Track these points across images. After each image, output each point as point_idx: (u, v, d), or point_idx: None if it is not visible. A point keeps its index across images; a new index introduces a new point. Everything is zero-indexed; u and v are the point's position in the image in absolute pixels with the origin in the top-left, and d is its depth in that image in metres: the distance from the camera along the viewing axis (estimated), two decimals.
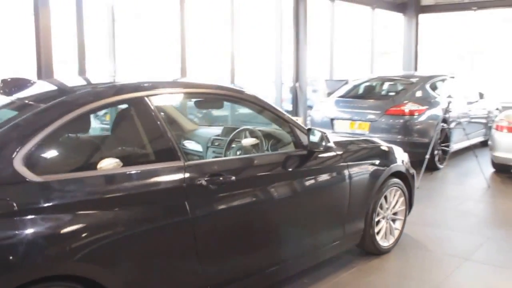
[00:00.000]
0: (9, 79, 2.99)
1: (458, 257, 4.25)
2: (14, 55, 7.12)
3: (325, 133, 3.48)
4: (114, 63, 7.45)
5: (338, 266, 4.05)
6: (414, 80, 8.47)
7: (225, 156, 3.82)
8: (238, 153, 3.70)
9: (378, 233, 4.21)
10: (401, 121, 7.54)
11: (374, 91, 8.84)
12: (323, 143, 3.45)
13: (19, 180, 2.22)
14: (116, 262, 2.40)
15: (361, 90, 8.86)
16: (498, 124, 7.15)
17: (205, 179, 2.79)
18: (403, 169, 4.42)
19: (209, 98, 3.34)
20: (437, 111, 7.92)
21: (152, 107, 2.78)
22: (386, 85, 8.96)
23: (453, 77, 8.02)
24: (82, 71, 6.86)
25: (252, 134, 3.81)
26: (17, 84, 2.98)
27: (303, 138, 3.52)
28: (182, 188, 2.70)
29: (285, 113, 3.54)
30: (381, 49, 14.27)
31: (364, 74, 10.99)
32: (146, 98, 2.78)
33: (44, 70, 6.23)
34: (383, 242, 4.29)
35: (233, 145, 3.88)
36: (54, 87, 3.15)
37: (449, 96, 7.50)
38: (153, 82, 2.92)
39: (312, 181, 3.52)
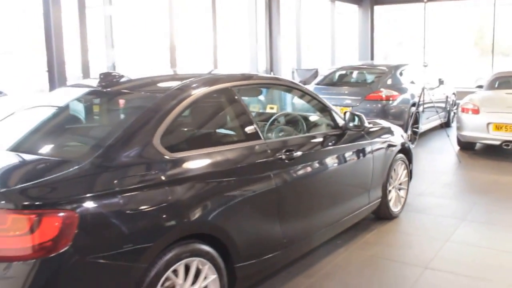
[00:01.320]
0: (104, 73, 3.36)
1: (455, 219, 5.01)
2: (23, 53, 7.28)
3: (360, 115, 4.11)
4: (113, 57, 7.76)
5: (361, 230, 4.70)
6: (385, 68, 9.26)
7: (279, 134, 4.32)
8: (294, 133, 4.21)
9: (389, 200, 4.90)
10: (379, 105, 8.32)
11: (349, 79, 9.58)
12: (357, 124, 4.09)
13: (159, 157, 2.66)
14: (230, 222, 2.90)
15: (337, 78, 9.57)
16: (463, 107, 8.02)
17: (282, 154, 3.34)
18: (406, 146, 5.12)
19: (273, 88, 3.89)
20: (407, 96, 8.78)
21: (237, 96, 3.30)
22: (360, 74, 9.72)
23: (426, 65, 8.85)
24: (85, 64, 7.14)
25: (297, 117, 4.38)
26: (112, 78, 3.36)
27: (339, 120, 4.13)
28: (268, 161, 3.24)
29: (325, 100, 4.15)
30: (341, 40, 15.09)
31: (336, 63, 11.75)
32: (233, 88, 3.29)
33: (56, 63, 6.49)
34: (394, 208, 4.98)
35: (286, 126, 4.38)
36: (152, 79, 3.61)
37: (412, 82, 8.32)
38: (236, 75, 3.42)
39: (350, 156, 4.14)
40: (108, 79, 3.31)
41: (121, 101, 3.20)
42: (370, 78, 9.35)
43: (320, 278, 3.73)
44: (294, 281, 3.67)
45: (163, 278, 2.50)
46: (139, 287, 2.39)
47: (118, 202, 2.37)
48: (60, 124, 3.21)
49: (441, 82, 10.33)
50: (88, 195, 2.28)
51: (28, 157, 2.69)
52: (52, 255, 2.12)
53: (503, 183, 6.45)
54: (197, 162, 2.84)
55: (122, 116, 3.13)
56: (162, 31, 8.68)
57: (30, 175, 2.44)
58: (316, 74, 11.18)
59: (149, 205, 2.49)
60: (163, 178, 2.61)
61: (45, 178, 2.30)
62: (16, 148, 2.83)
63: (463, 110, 8.00)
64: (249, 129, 3.30)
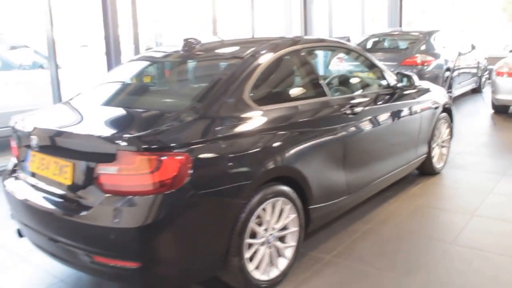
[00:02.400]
0: (187, 39, 3.70)
1: (496, 174, 5.29)
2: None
3: (411, 75, 4.41)
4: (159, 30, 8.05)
5: (407, 183, 5.04)
6: (418, 34, 9.43)
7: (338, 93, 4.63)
8: (351, 91, 4.49)
9: (433, 157, 5.20)
10: (414, 70, 8.51)
11: (383, 45, 9.78)
12: (408, 83, 4.40)
13: (249, 109, 3.02)
14: (307, 168, 3.24)
15: (371, 45, 9.78)
16: (498, 71, 8.19)
17: (346, 109, 3.67)
18: (448, 105, 5.39)
19: (333, 50, 4.21)
20: (441, 62, 8.97)
21: (307, 57, 3.64)
22: (393, 40, 9.90)
23: (462, 31, 9.01)
24: (136, 38, 7.47)
25: (353, 77, 4.70)
26: (193, 43, 3.69)
27: (391, 80, 4.43)
28: (335, 116, 3.58)
29: (378, 61, 4.45)
30: (369, 7, 15.13)
31: (366, 31, 11.89)
32: (303, 50, 3.63)
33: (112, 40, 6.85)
34: (437, 164, 5.29)
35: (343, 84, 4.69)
36: (229, 43, 3.97)
37: (444, 48, 8.47)
38: (303, 38, 3.75)
39: (401, 113, 4.44)
40: (190, 44, 3.66)
41: (207, 62, 3.58)
42: (404, 44, 9.53)
43: (376, 224, 4.09)
44: (353, 226, 4.05)
45: (255, 214, 2.88)
46: (237, 220, 2.78)
47: (221, 146, 2.73)
48: (153, 83, 3.61)
49: (473, 47, 10.45)
50: (197, 140, 2.66)
51: (139, 110, 3.15)
52: (171, 191, 2.51)
53: None
54: (279, 114, 3.18)
55: (211, 75, 3.47)
56: (204, 4, 8.96)
57: (148, 124, 2.81)
58: (348, 41, 11.35)
59: (245, 150, 2.85)
60: (254, 127, 2.97)
61: (161, 126, 2.69)
62: (127, 104, 3.34)
63: (498, 74, 8.18)
64: (317, 87, 3.64)
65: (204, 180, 2.63)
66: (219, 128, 2.79)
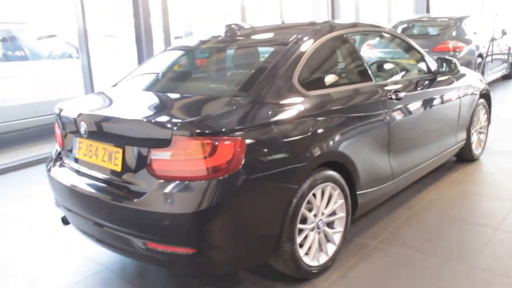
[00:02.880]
0: (229, 25, 3.71)
1: None
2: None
3: (453, 60, 4.33)
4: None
5: (446, 170, 4.97)
6: (448, 20, 9.27)
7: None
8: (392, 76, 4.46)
9: (472, 143, 5.11)
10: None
11: (413, 32, 9.64)
12: (449, 69, 4.32)
13: (299, 94, 2.99)
14: (355, 153, 3.20)
15: (400, 31, 9.63)
16: None
17: (391, 94, 3.62)
18: (486, 91, 5.29)
19: (374, 34, 4.15)
20: (472, 47, 8.82)
21: (351, 42, 3.59)
22: (423, 27, 9.75)
23: (496, 15, 8.83)
24: (166, 29, 7.47)
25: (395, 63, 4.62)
26: (235, 28, 3.69)
27: (431, 65, 4.35)
28: (380, 100, 3.53)
29: (419, 47, 4.37)
30: None
31: (392, 17, 11.73)
32: (347, 35, 3.58)
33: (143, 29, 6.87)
34: (475, 150, 5.20)
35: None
36: (272, 28, 3.96)
37: (475, 33, 8.30)
38: (347, 23, 3.69)
39: (443, 98, 4.37)
40: (232, 29, 3.64)
41: (251, 48, 3.56)
42: (434, 30, 9.37)
43: (419, 210, 4.05)
44: (396, 212, 4.01)
45: (306, 199, 2.86)
46: (289, 205, 2.75)
47: (274, 131, 2.71)
48: (198, 69, 3.61)
49: (504, 33, 10.24)
50: (250, 125, 2.64)
51: (188, 96, 3.12)
52: (225, 176, 2.48)
53: None
54: (327, 99, 3.14)
55: (257, 61, 3.44)
56: None
57: (200, 109, 2.82)
58: None
59: (296, 134, 2.82)
60: (304, 112, 2.93)
61: (214, 111, 2.69)
62: (174, 90, 3.35)
63: None
64: (363, 71, 3.59)
65: (258, 165, 2.60)
66: (271, 113, 2.77)
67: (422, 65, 4.37)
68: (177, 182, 2.51)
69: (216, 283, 3.10)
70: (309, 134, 2.88)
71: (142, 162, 2.61)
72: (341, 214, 3.18)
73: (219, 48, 3.76)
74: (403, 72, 4.29)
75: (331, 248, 3.13)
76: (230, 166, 2.49)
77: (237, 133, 2.54)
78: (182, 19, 8.29)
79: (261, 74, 2.98)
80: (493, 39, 8.20)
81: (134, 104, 3.21)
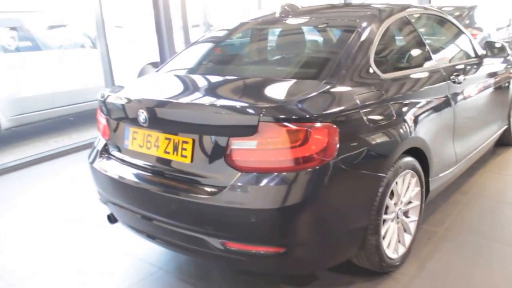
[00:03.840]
0: (287, 4, 3.41)
1: None
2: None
3: (504, 45, 4.10)
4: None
5: (489, 155, 4.77)
6: (462, 10, 9.05)
7: None
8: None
9: None
10: None
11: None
12: (498, 53, 4.10)
13: (377, 77, 2.72)
14: (429, 138, 2.96)
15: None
16: None
17: (454, 77, 3.39)
18: None
19: (432, 18, 3.90)
20: (485, 35, 8.69)
21: (413, 24, 3.35)
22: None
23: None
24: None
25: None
26: (289, 10, 3.39)
27: (479, 49, 4.12)
28: (445, 83, 3.30)
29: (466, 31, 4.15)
30: None
31: None
32: (409, 16, 3.33)
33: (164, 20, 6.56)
34: None
35: None
36: (330, 10, 3.67)
37: (484, 22, 8.09)
38: (404, 5, 3.42)
39: (493, 82, 4.14)
40: (287, 11, 3.36)
41: (314, 30, 3.30)
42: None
43: (474, 196, 3.83)
44: (452, 198, 3.80)
45: (391, 187, 2.61)
46: (376, 195, 2.50)
47: (362, 116, 2.44)
48: (262, 51, 3.36)
49: (510, 21, 10.07)
50: (340, 110, 2.36)
51: (260, 79, 2.78)
52: (319, 166, 2.19)
53: None
54: (402, 82, 2.90)
55: (326, 42, 3.18)
56: None
57: (285, 93, 2.50)
58: None
59: (383, 119, 2.56)
60: (385, 95, 2.68)
61: (301, 95, 2.34)
62: (241, 73, 3.04)
63: None
64: (427, 55, 3.35)
65: (350, 154, 2.33)
66: (356, 97, 2.49)
67: (469, 49, 4.14)
68: (263, 174, 2.21)
69: (289, 281, 2.83)
70: (394, 119, 2.63)
71: (219, 153, 2.29)
72: (416, 202, 2.95)
73: (278, 30, 3.47)
74: (456, 55, 4.06)
75: (407, 239, 2.90)
76: (324, 156, 2.20)
77: (330, 119, 2.26)
78: (198, 8, 7.98)
79: (338, 57, 2.69)
80: (510, 24, 7.99)
81: (201, 89, 2.80)
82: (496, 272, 2.80)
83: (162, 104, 2.54)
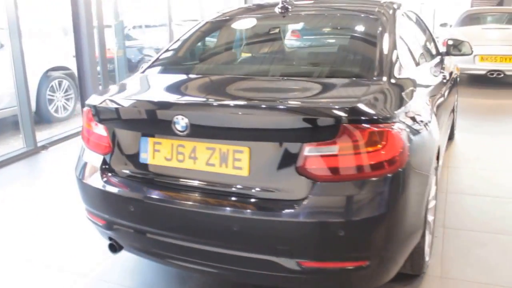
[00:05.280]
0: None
1: None
2: None
3: (465, 42, 4.25)
4: None
5: None
6: None
7: None
8: None
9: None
10: None
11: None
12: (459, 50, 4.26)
13: (405, 72, 2.59)
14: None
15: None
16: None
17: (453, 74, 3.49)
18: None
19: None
20: None
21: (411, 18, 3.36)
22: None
23: None
24: None
25: None
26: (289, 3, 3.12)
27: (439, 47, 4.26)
28: (444, 81, 3.36)
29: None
30: None
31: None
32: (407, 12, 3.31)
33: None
34: None
35: None
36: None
37: None
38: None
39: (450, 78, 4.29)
40: (290, 4, 3.09)
41: (333, 22, 3.13)
42: None
43: None
44: None
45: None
46: (427, 195, 2.39)
47: (416, 113, 2.32)
48: (296, 49, 3.13)
49: None
50: (403, 108, 2.19)
51: (318, 79, 2.53)
52: (400, 169, 2.00)
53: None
54: (423, 77, 2.88)
55: (359, 37, 2.95)
56: None
57: (351, 93, 2.26)
58: None
59: (425, 117, 2.46)
60: (420, 88, 2.63)
61: (371, 95, 2.12)
62: (291, 73, 2.71)
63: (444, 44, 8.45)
64: (425, 49, 3.47)
65: (417, 153, 2.18)
66: (403, 94, 2.35)
67: (432, 46, 4.23)
68: (345, 182, 1.95)
69: None
70: (430, 115, 2.56)
71: (288, 161, 1.98)
72: (434, 201, 2.89)
73: (295, 26, 3.24)
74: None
75: (428, 238, 2.82)
76: (402, 157, 2.01)
77: (400, 119, 2.08)
78: (112, 7, 7.32)
79: (375, 52, 2.53)
80: None
81: (249, 91, 2.48)
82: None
83: (209, 107, 2.16)
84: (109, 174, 2.40)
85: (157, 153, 2.24)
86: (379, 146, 1.95)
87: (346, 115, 1.92)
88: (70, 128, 6.45)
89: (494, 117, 6.53)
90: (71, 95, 7.61)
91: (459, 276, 2.75)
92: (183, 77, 2.81)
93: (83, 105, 6.01)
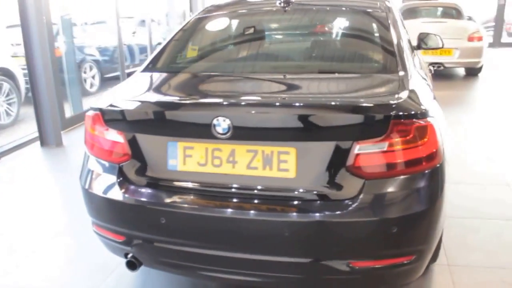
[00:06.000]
0: None
1: None
2: None
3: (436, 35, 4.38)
4: None
5: None
6: None
7: None
8: None
9: None
10: None
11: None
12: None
13: (415, 66, 2.64)
14: None
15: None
16: None
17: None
18: None
19: None
20: None
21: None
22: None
23: None
24: None
25: None
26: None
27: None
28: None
29: None
30: None
31: None
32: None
33: None
34: None
35: None
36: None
37: None
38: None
39: None
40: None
41: (344, 17, 3.09)
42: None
43: None
44: None
45: None
46: None
47: (436, 106, 2.35)
48: (312, 44, 3.01)
49: None
50: (430, 102, 2.22)
51: (347, 75, 2.46)
52: (438, 164, 2.03)
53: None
54: (419, 68, 2.89)
55: (368, 31, 2.91)
56: None
57: (390, 89, 2.21)
58: None
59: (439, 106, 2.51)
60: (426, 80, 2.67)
61: (407, 90, 2.11)
62: (316, 70, 2.64)
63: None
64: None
65: (443, 146, 2.19)
66: (426, 86, 2.39)
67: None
68: (394, 178, 1.94)
69: None
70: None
71: (338, 161, 1.93)
72: None
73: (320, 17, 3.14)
74: None
75: None
76: (440, 150, 2.06)
77: (431, 113, 2.08)
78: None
79: (394, 46, 2.52)
80: None
81: (285, 89, 2.37)
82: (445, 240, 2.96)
83: (255, 108, 2.04)
84: (129, 185, 2.20)
85: (188, 158, 2.10)
86: (425, 140, 1.96)
87: (395, 111, 1.91)
88: (19, 136, 6.00)
89: (443, 109, 6.84)
90: (14, 99, 7.08)
91: (465, 262, 2.85)
92: (204, 76, 2.67)
93: (37, 110, 5.56)
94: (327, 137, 1.95)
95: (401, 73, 2.33)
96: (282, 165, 1.98)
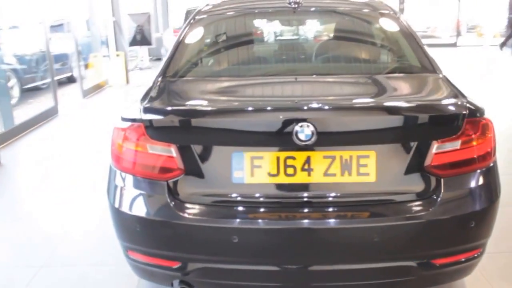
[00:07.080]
0: None
1: None
2: None
3: None
4: None
5: None
6: None
7: None
8: None
9: None
10: None
11: None
12: None
13: None
14: None
15: None
16: None
17: None
18: None
19: None
20: None
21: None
22: None
23: None
24: None
25: None
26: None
27: None
28: None
29: None
30: None
31: None
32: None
33: None
34: None
35: None
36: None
37: None
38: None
39: None
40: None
41: (356, 17, 3.04)
42: None
43: None
44: None
45: None
46: None
47: None
48: (333, 43, 3.02)
49: None
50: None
51: (395, 75, 2.55)
52: (495, 157, 2.12)
53: None
54: None
55: (390, 31, 2.89)
56: None
57: (443, 89, 2.27)
58: None
59: None
60: None
61: (457, 89, 2.22)
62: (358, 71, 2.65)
63: None
64: None
65: None
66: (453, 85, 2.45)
67: None
68: (466, 174, 2.01)
69: None
70: None
71: (416, 161, 1.95)
72: None
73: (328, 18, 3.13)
74: None
75: None
76: (494, 147, 2.14)
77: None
78: None
79: (420, 47, 2.60)
80: None
81: (347, 91, 2.40)
82: None
83: (339, 112, 1.99)
84: (185, 203, 1.99)
85: (257, 169, 1.95)
86: (489, 135, 2.05)
87: (468, 110, 1.99)
88: None
89: None
90: None
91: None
92: (252, 80, 2.54)
93: None
94: (407, 138, 1.95)
95: (439, 73, 2.43)
96: (362, 169, 1.94)
